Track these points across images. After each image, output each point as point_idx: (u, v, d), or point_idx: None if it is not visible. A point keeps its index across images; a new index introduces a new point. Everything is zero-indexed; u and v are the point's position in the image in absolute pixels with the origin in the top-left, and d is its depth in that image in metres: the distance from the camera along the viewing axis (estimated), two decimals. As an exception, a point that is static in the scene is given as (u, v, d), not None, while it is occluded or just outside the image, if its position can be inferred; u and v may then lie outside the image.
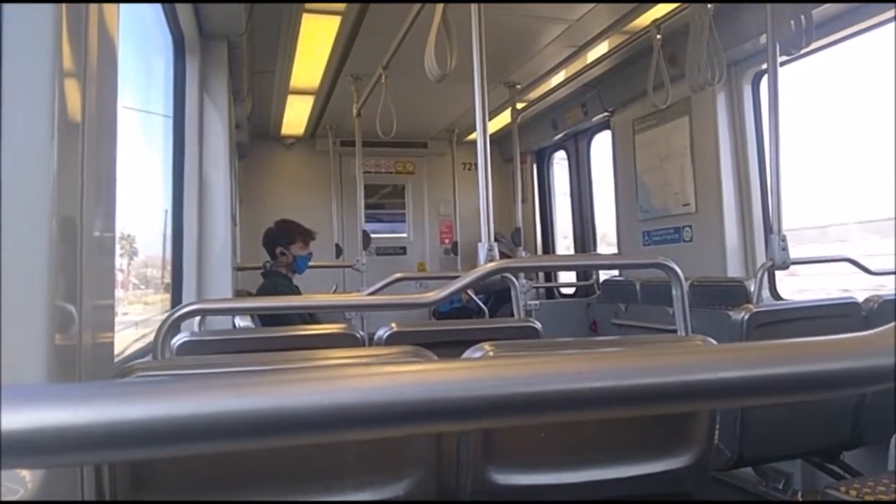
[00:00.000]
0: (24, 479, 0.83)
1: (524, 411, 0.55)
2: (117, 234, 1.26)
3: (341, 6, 3.66)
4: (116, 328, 1.31)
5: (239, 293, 4.42)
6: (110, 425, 0.43)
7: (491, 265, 2.10)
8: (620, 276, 5.40)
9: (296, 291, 4.48)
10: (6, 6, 0.93)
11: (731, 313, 2.36)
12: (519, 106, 5.50)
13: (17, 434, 0.40)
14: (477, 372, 0.54)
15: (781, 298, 3.90)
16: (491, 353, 1.39)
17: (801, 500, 2.83)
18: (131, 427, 0.43)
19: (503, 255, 4.19)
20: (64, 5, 0.98)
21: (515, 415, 0.56)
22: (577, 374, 0.55)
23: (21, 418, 0.41)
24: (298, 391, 0.48)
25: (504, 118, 5.73)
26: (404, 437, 1.41)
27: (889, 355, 0.60)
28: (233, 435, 0.46)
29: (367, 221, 5.43)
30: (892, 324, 0.62)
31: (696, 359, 0.61)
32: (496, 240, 2.41)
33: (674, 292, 2.04)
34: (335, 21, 3.87)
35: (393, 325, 1.98)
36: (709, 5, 3.46)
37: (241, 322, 2.92)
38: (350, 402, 0.48)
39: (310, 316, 4.00)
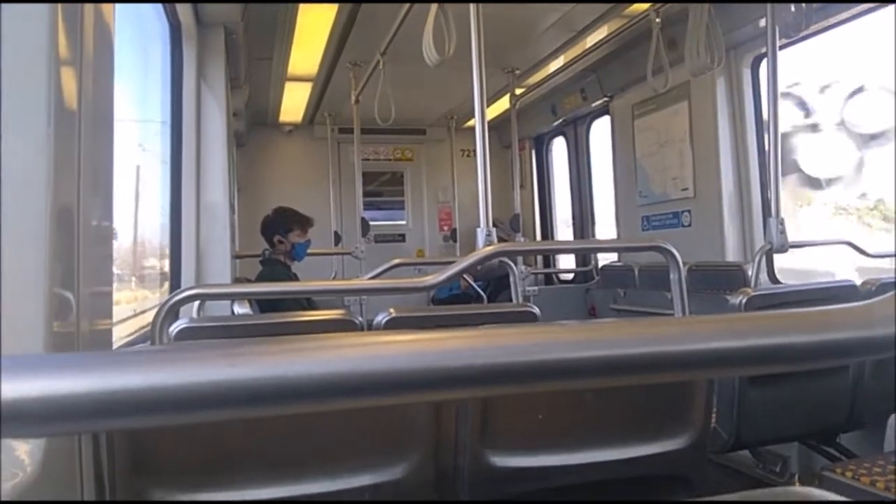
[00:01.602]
0: (24, 463, 0.84)
1: (519, 380, 0.55)
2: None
3: (338, -8, 3.65)
4: None
5: (237, 281, 4.43)
6: (106, 394, 0.43)
7: (489, 248, 2.10)
8: (619, 261, 5.41)
9: (294, 279, 4.49)
10: None
11: (728, 297, 2.37)
12: (518, 91, 5.47)
13: (15, 403, 0.41)
14: (470, 341, 0.55)
15: (779, 282, 3.91)
16: None
17: (797, 482, 2.85)
18: (126, 396, 0.44)
19: (502, 241, 4.20)
20: None
21: (510, 383, 0.56)
22: (571, 343, 0.56)
23: (19, 387, 0.41)
24: (293, 360, 0.48)
25: (503, 104, 5.71)
26: (402, 419, 1.42)
27: (889, 325, 0.59)
28: (228, 404, 0.47)
29: (365, 209, 5.42)
30: (892, 293, 0.61)
31: (692, 328, 0.61)
32: (494, 225, 2.42)
33: (672, 276, 2.05)
34: (333, 8, 3.86)
35: (391, 310, 1.99)
36: (708, -11, 3.45)
37: (239, 309, 2.93)
38: (345, 371, 0.49)
39: (308, 303, 4.01)
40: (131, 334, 2.52)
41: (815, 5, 2.94)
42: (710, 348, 0.58)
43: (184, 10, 3.14)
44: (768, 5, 2.87)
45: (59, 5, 0.98)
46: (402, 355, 0.51)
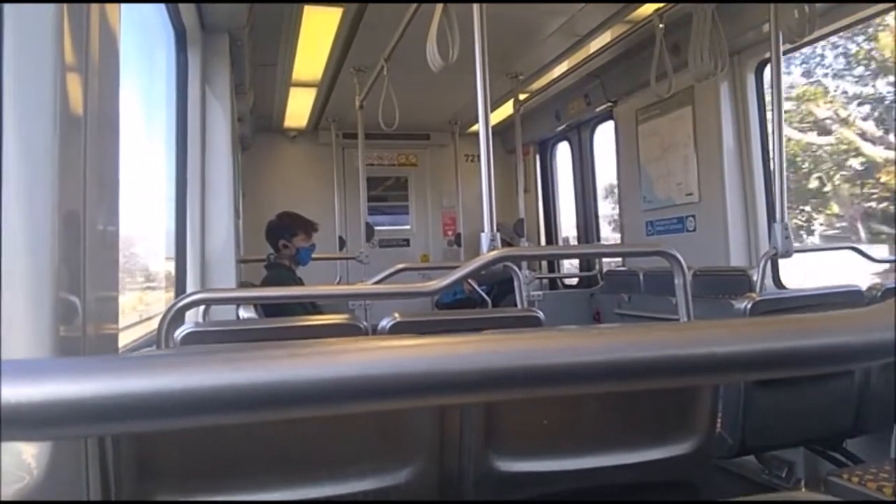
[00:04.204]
0: (30, 466, 0.84)
1: (525, 384, 0.55)
2: None
3: (343, -2, 3.66)
4: None
5: (242, 285, 4.44)
6: (111, 398, 0.43)
7: (493, 254, 2.10)
8: (624, 266, 5.40)
9: (299, 283, 4.49)
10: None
11: (733, 302, 2.36)
12: (521, 97, 5.48)
13: (21, 406, 0.41)
14: (476, 346, 0.55)
15: (784, 287, 3.90)
16: None
17: (803, 487, 2.84)
18: (131, 400, 0.44)
19: (506, 245, 4.20)
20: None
21: (516, 388, 0.56)
22: (574, 349, 0.56)
23: (25, 391, 0.42)
24: (297, 365, 0.48)
25: (507, 109, 5.72)
26: (406, 424, 1.42)
27: (889, 330, 0.60)
28: (233, 408, 0.47)
29: (370, 213, 5.44)
30: (893, 299, 0.62)
31: (695, 333, 0.61)
32: (498, 230, 2.42)
33: (676, 281, 2.05)
34: (337, 13, 3.87)
35: (396, 314, 1.99)
36: (711, -6, 3.45)
37: (244, 313, 2.93)
38: (349, 375, 0.49)
39: (313, 307, 4.02)
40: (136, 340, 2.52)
41: (818, 10, 2.94)
42: (714, 353, 0.58)
43: (188, 16, 3.15)
44: (771, 10, 2.86)
45: (65, 9, 0.99)
46: (407, 359, 0.51)
